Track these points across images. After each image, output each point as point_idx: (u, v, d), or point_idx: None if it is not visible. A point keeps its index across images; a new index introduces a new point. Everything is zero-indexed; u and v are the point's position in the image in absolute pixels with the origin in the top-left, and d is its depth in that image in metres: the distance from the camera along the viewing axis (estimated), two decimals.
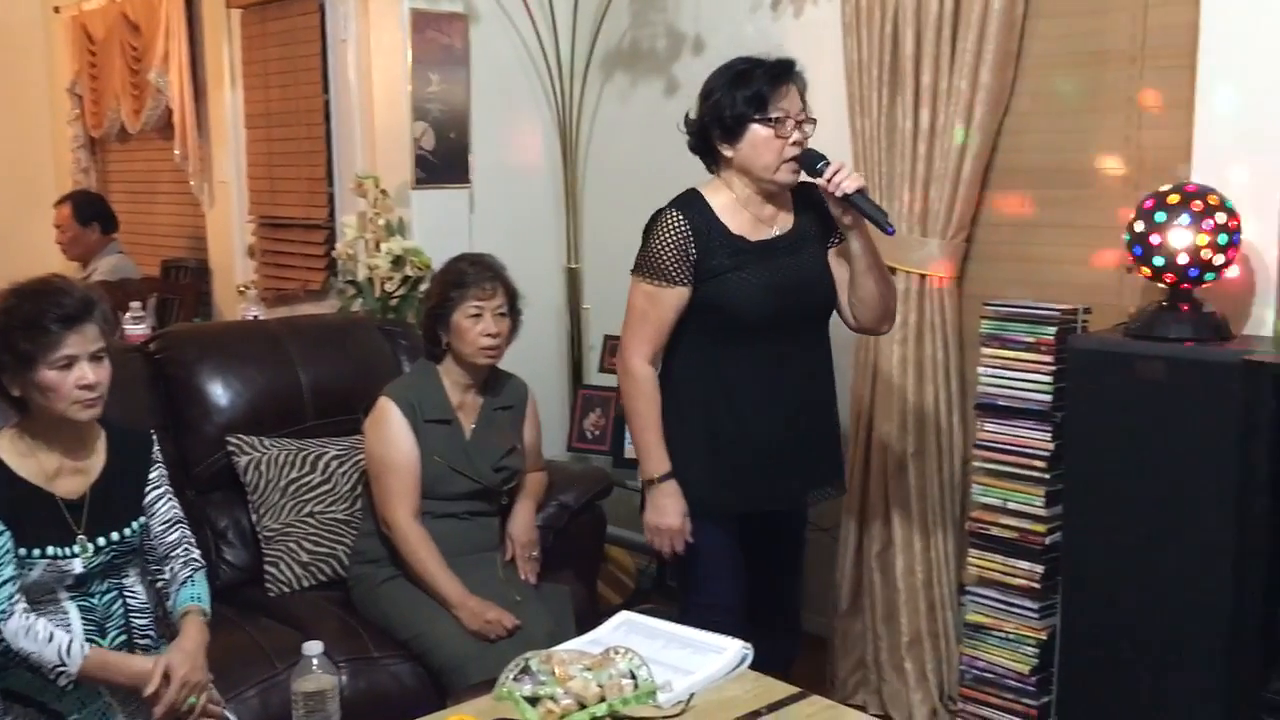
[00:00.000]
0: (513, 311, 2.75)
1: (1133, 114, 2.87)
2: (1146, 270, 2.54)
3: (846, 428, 3.32)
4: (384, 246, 3.66)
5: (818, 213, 2.50)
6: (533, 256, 4.11)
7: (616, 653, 1.97)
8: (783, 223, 2.49)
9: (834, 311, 2.58)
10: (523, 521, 2.81)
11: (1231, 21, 2.62)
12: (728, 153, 2.43)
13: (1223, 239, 2.46)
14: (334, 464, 2.96)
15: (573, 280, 4.21)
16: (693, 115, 2.50)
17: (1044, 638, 2.82)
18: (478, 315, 2.67)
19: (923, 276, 3.14)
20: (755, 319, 2.41)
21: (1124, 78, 2.87)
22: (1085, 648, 2.63)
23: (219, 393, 2.96)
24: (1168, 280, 2.52)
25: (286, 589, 2.82)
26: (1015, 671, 2.85)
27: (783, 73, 2.40)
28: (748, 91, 2.37)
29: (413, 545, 2.61)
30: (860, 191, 2.35)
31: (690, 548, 2.49)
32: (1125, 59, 2.87)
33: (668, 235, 2.41)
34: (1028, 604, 2.83)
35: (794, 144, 2.38)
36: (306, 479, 2.92)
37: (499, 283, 2.72)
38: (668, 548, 2.49)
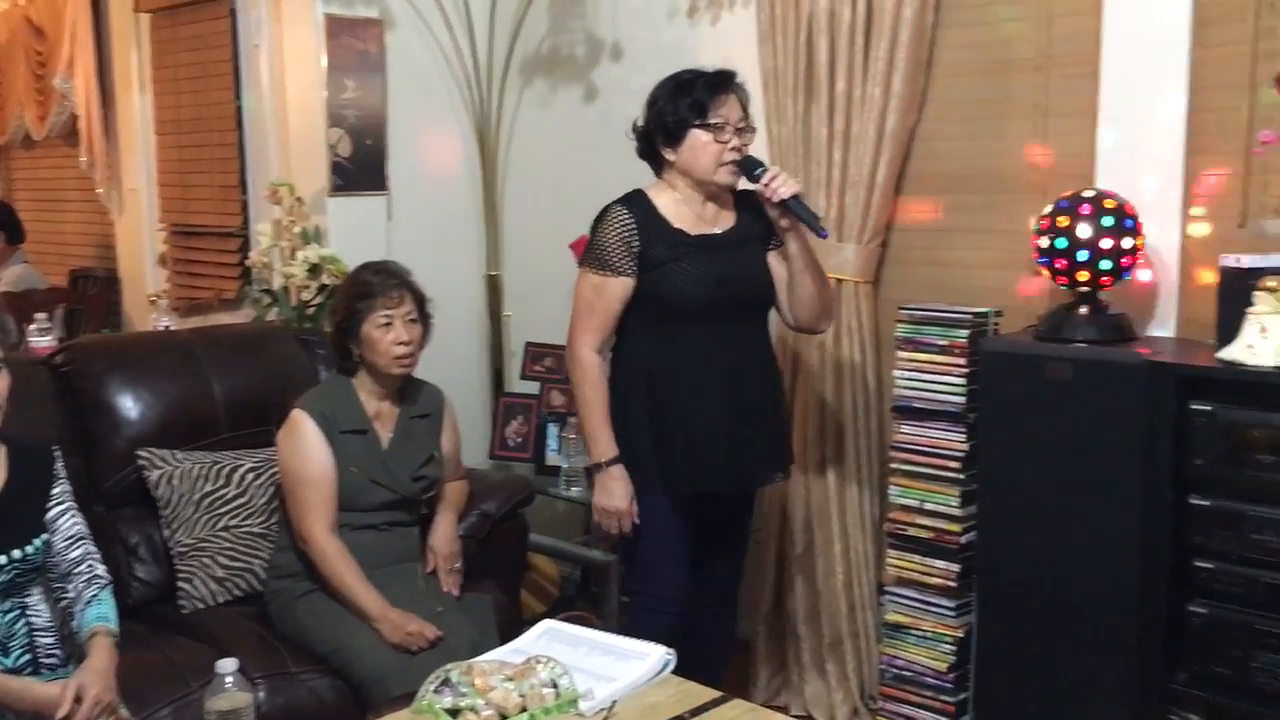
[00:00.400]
0: (423, 317, 2.72)
1: (1040, 121, 2.94)
2: (1054, 274, 2.60)
3: None
4: (300, 254, 3.61)
5: (759, 215, 2.62)
6: (452, 264, 4.09)
7: (538, 662, 1.96)
8: (724, 222, 2.62)
9: (772, 309, 2.69)
10: (444, 533, 2.79)
11: (1132, 31, 2.70)
12: (670, 156, 2.57)
13: (1126, 243, 2.53)
14: (250, 477, 2.90)
15: (493, 287, 4.19)
16: (639, 123, 2.64)
17: (961, 635, 2.87)
18: (388, 324, 2.64)
19: (839, 281, 3.18)
20: (694, 307, 2.54)
21: (1031, 86, 2.94)
22: (1000, 644, 2.68)
23: (129, 406, 2.89)
24: (1074, 283, 2.58)
25: (201, 605, 2.76)
26: (933, 669, 2.90)
27: (722, 82, 2.55)
28: (689, 99, 2.52)
29: (330, 560, 2.58)
30: (796, 197, 2.50)
31: (636, 532, 2.61)
32: (1032, 67, 2.93)
33: (612, 228, 2.55)
34: (945, 603, 2.88)
35: (733, 149, 2.53)
36: (221, 493, 2.86)
37: (406, 289, 2.69)
38: (615, 528, 2.61)
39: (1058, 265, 2.57)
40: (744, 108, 2.58)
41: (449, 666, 1.95)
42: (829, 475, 3.23)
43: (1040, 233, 2.60)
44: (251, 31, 4.04)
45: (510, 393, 4.06)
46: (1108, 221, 2.52)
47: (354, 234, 3.82)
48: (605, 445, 2.58)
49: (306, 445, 2.62)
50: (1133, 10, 2.70)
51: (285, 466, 2.67)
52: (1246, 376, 2.20)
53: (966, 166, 3.09)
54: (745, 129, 2.56)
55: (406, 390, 2.78)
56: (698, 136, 2.52)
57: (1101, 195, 2.57)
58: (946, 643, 2.88)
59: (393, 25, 3.93)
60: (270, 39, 3.95)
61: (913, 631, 2.94)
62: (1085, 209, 2.54)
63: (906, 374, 2.90)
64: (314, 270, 3.59)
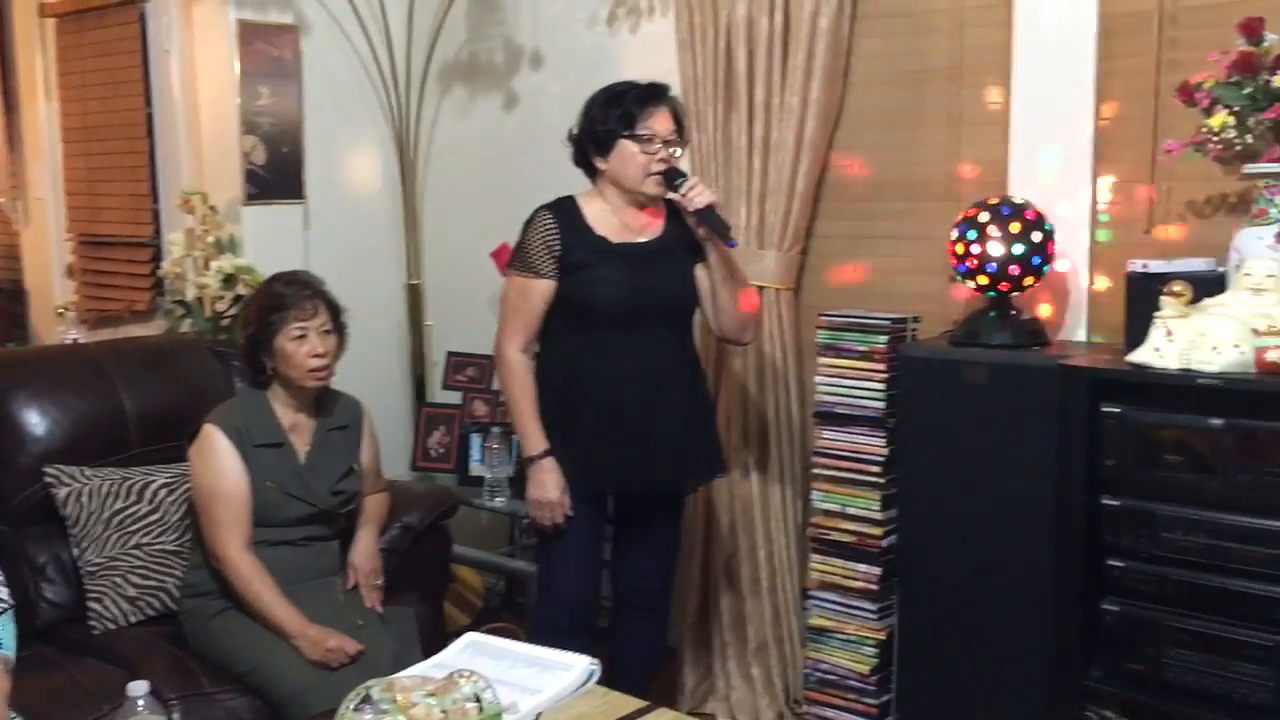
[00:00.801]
0: (338, 328, 2.68)
1: (954, 130, 2.99)
2: (969, 280, 2.65)
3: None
4: (214, 265, 3.54)
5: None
6: (372, 273, 4.04)
7: (461, 676, 1.93)
8: (651, 231, 2.68)
9: (695, 316, 2.75)
10: (364, 549, 2.74)
11: (1041, 42, 2.76)
12: (601, 165, 2.64)
13: (1037, 249, 2.58)
14: (162, 493, 2.83)
15: (414, 297, 4.14)
16: (574, 130, 2.69)
17: (883, 638, 2.90)
18: (302, 336, 2.60)
19: (761, 288, 3.20)
20: (610, 313, 2.60)
21: (945, 95, 2.99)
22: (921, 646, 2.72)
23: (35, 421, 2.80)
24: (988, 289, 2.63)
25: (112, 626, 2.68)
26: (856, 672, 2.93)
27: (653, 95, 2.62)
28: (619, 110, 2.59)
29: (245, 578, 2.52)
30: (710, 207, 2.56)
31: (558, 526, 2.67)
32: (945, 77, 2.99)
33: (535, 231, 2.62)
34: (867, 606, 2.91)
35: (660, 160, 2.58)
36: (132, 509, 2.79)
37: (320, 300, 2.65)
38: (549, 520, 2.67)
39: (972, 271, 2.62)
40: (677, 120, 2.64)
41: (370, 683, 1.91)
42: (753, 481, 3.25)
43: (955, 240, 2.64)
44: (161, 37, 3.95)
45: (432, 403, 4.02)
46: (1019, 229, 2.57)
47: (270, 243, 3.75)
48: (535, 439, 2.64)
49: (219, 460, 2.56)
50: (1040, 22, 2.76)
51: (197, 482, 2.61)
52: (1154, 379, 2.26)
53: (883, 174, 3.13)
54: (675, 142, 2.61)
55: (323, 402, 2.73)
56: (626, 147, 2.58)
57: (1013, 203, 2.62)
58: (869, 645, 2.91)
59: (308, 31, 3.87)
60: (181, 44, 3.86)
61: (836, 635, 2.96)
62: (998, 216, 2.59)
63: (827, 380, 2.93)
64: (229, 281, 3.52)
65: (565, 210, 2.64)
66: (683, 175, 2.58)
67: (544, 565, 2.79)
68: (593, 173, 2.68)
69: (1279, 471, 2.14)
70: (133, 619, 2.71)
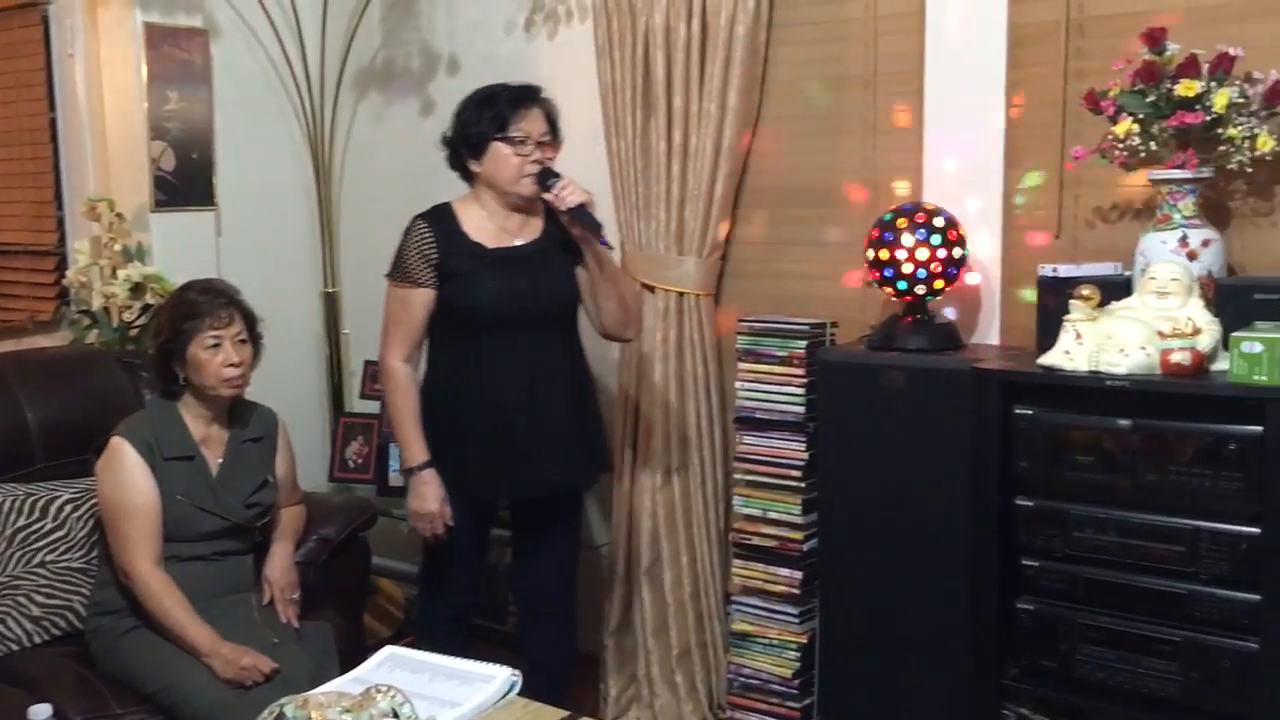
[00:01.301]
0: (253, 337, 2.63)
1: (869, 137, 3.02)
2: (885, 285, 2.68)
3: (615, 444, 3.36)
4: (121, 273, 3.44)
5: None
6: (287, 281, 3.97)
7: (378, 691, 1.90)
8: (529, 233, 2.69)
9: (579, 317, 2.77)
10: (279, 563, 2.69)
11: (952, 51, 2.81)
12: (475, 168, 2.65)
13: (952, 254, 2.62)
14: (68, 509, 2.75)
15: (331, 305, 4.08)
16: (448, 134, 2.70)
17: (805, 641, 2.92)
18: (216, 345, 2.54)
19: (681, 294, 3.21)
20: (490, 318, 2.61)
21: (860, 102, 3.03)
22: (842, 648, 2.74)
23: None
24: (904, 294, 2.66)
25: (15, 646, 2.59)
26: (779, 676, 2.94)
27: (525, 97, 2.63)
28: (490, 112, 2.60)
29: (155, 595, 2.45)
30: (582, 206, 2.58)
31: (448, 533, 2.70)
32: (861, 84, 3.02)
33: (412, 241, 2.64)
34: (789, 610, 2.93)
35: (534, 162, 2.60)
36: (37, 526, 2.70)
37: (235, 308, 2.60)
38: (429, 530, 2.69)
39: (888, 277, 2.65)
40: (550, 122, 2.66)
41: (284, 700, 1.87)
42: (675, 487, 3.25)
43: (871, 245, 2.67)
44: (65, 40, 3.84)
45: (350, 412, 3.96)
46: (934, 234, 2.61)
47: (180, 251, 3.66)
48: (416, 450, 2.66)
49: (127, 475, 2.49)
50: (952, 31, 2.80)
51: (105, 498, 2.53)
52: (1064, 381, 2.30)
53: (801, 180, 3.15)
54: (548, 143, 2.63)
55: (236, 413, 2.68)
56: (499, 149, 2.60)
57: (927, 209, 2.66)
58: (791, 649, 2.93)
59: (218, 35, 3.79)
60: (85, 48, 3.76)
61: (759, 640, 2.98)
62: (912, 222, 2.62)
63: (748, 385, 2.95)
64: (137, 290, 3.43)
65: (441, 218, 2.66)
66: (556, 175, 2.60)
67: (428, 566, 2.82)
68: (468, 175, 2.69)
69: (1185, 470, 2.19)
70: (37, 639, 2.63)
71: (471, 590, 2.81)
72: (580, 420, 2.73)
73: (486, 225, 2.66)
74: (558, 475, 2.70)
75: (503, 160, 2.60)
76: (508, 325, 2.61)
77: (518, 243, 2.67)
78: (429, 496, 2.65)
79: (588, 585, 3.71)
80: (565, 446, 2.69)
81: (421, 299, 2.63)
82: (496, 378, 2.62)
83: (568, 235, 2.66)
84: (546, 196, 2.60)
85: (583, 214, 2.58)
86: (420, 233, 2.63)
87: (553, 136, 2.65)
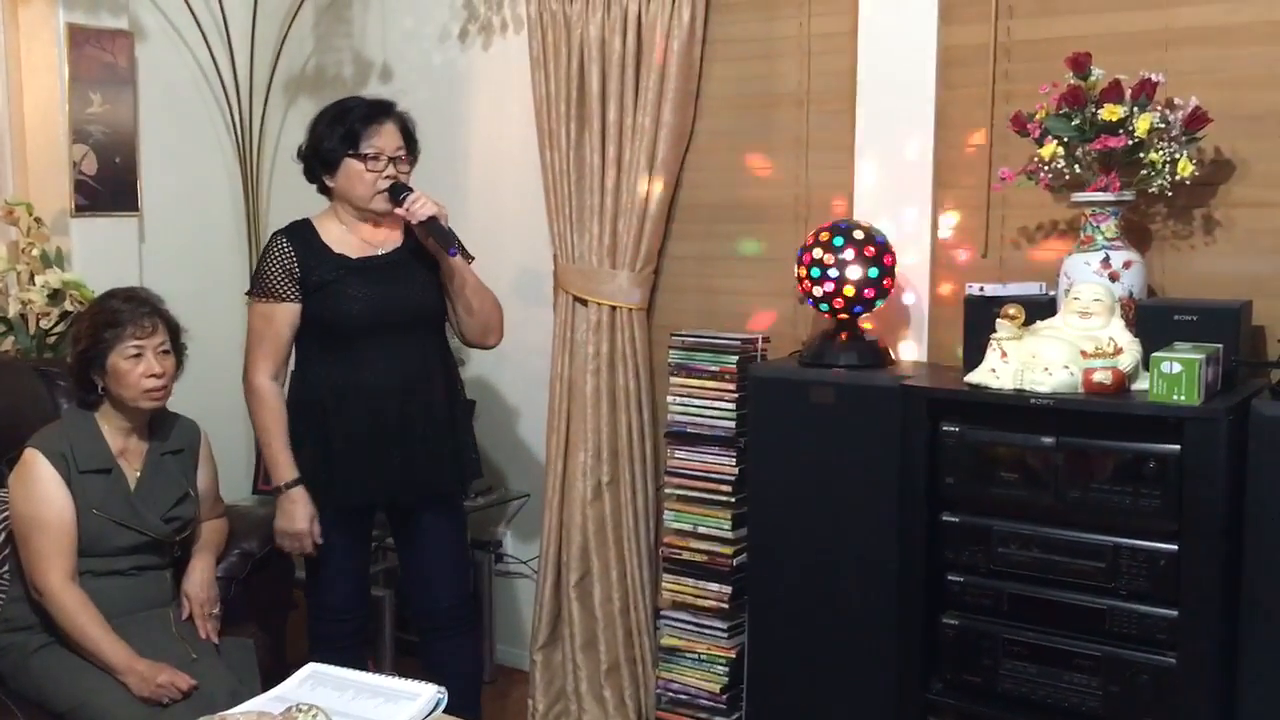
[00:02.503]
0: (176, 348, 2.58)
1: (801, 154, 3.05)
2: (816, 301, 2.69)
3: (546, 457, 3.34)
4: (39, 279, 3.34)
5: None
6: (213, 288, 3.89)
7: (299, 710, 1.86)
8: (390, 243, 2.72)
9: (447, 323, 2.81)
10: (199, 578, 2.63)
11: (883, 71, 2.84)
12: (329, 183, 2.68)
13: (881, 271, 2.65)
14: None
15: None
16: (303, 148, 2.72)
17: (733, 656, 2.92)
18: (138, 355, 2.48)
19: (613, 308, 3.20)
20: (361, 324, 2.63)
21: (792, 120, 3.05)
22: (771, 663, 2.75)
23: None
24: (834, 311, 2.68)
25: None
26: (707, 691, 2.94)
27: (378, 112, 2.65)
28: (342, 129, 2.62)
29: (69, 612, 2.38)
30: (433, 219, 2.61)
31: (318, 550, 2.70)
32: (793, 102, 3.05)
33: (273, 257, 2.65)
34: (718, 625, 2.93)
35: (387, 177, 2.62)
36: None
37: (159, 318, 2.54)
38: (296, 549, 2.70)
39: (818, 293, 2.67)
40: (405, 136, 2.68)
41: (203, 719, 1.83)
42: (606, 501, 3.24)
43: (801, 262, 2.69)
44: None
45: None
46: (865, 252, 2.63)
47: (102, 257, 3.58)
48: (285, 469, 2.65)
49: (41, 488, 2.42)
50: (884, 52, 2.84)
51: (17, 512, 2.46)
52: (990, 399, 2.33)
53: (733, 196, 3.17)
54: (401, 158, 2.65)
55: (157, 425, 2.61)
56: (351, 165, 2.62)
57: (858, 226, 2.69)
58: (720, 664, 2.93)
59: (144, 37, 3.72)
60: (5, 48, 3.65)
61: (687, 654, 2.98)
62: (842, 239, 2.64)
63: (679, 399, 2.95)
64: (55, 296, 3.33)
65: (300, 233, 2.67)
66: (407, 190, 2.63)
67: (310, 582, 2.80)
68: (325, 189, 2.71)
69: (1106, 488, 2.23)
70: None
71: (356, 605, 2.79)
72: (451, 424, 2.75)
73: (348, 238, 2.68)
74: (430, 477, 2.71)
75: (355, 176, 2.62)
76: (376, 332, 2.63)
77: (380, 252, 2.69)
78: (297, 515, 2.65)
79: (516, 600, 3.69)
80: (437, 450, 2.70)
81: (286, 314, 2.63)
82: (367, 384, 2.63)
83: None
84: (399, 211, 2.63)
85: (434, 226, 2.61)
86: (280, 248, 2.64)
87: (408, 150, 2.68)
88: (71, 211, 3.55)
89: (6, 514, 2.59)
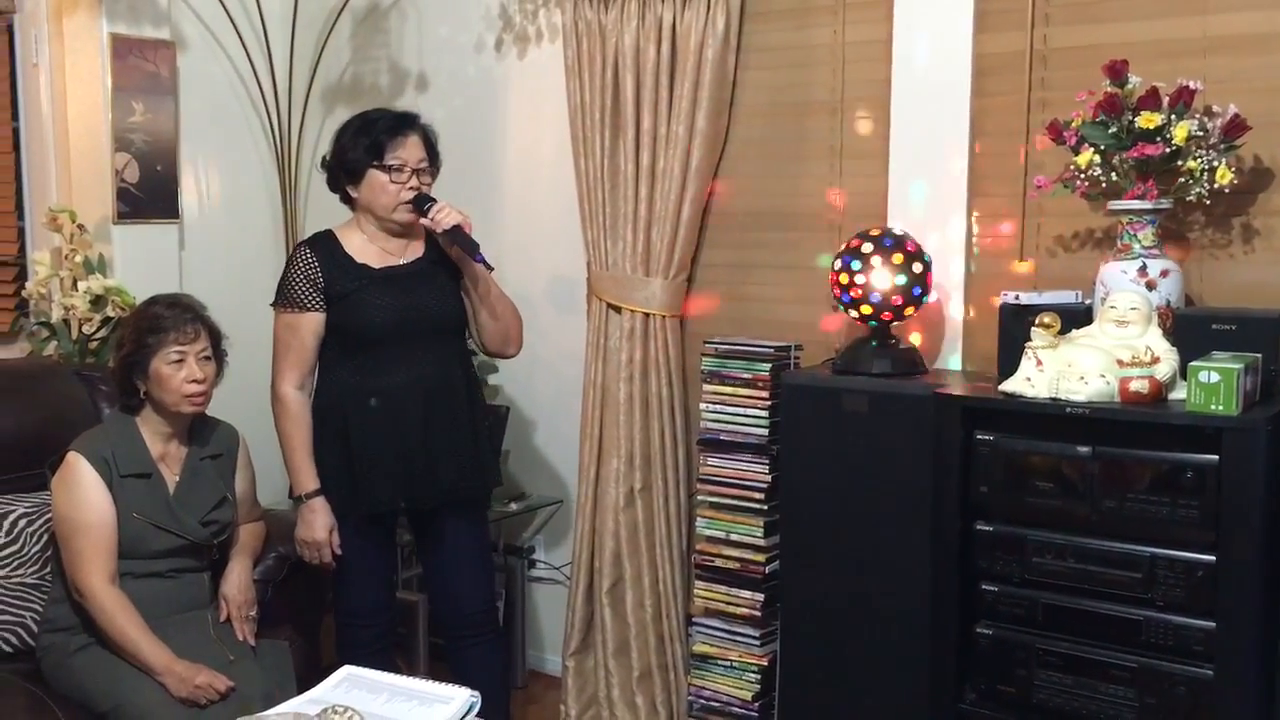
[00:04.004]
0: (217, 354, 2.61)
1: (835, 162, 3.05)
2: (851, 309, 2.69)
3: (579, 464, 3.35)
4: (82, 285, 3.40)
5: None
6: (251, 295, 3.88)
7: (335, 712, 1.88)
8: (413, 252, 2.75)
9: (468, 333, 2.84)
10: (237, 580, 2.66)
11: (918, 79, 2.84)
12: (353, 194, 2.70)
13: (918, 279, 2.64)
14: (22, 523, 2.70)
15: None
16: (327, 157, 2.76)
17: (765, 664, 2.92)
18: (180, 361, 2.52)
19: (647, 315, 3.21)
20: (380, 335, 2.66)
21: (827, 128, 3.05)
22: (802, 670, 2.74)
23: None
24: (869, 318, 2.68)
25: None
26: (739, 699, 2.94)
27: (403, 124, 2.68)
28: (367, 140, 2.65)
29: (109, 613, 2.42)
30: (458, 227, 2.63)
31: (338, 560, 2.73)
32: (827, 110, 3.05)
33: (297, 268, 2.68)
34: (750, 632, 2.93)
35: (410, 189, 2.65)
36: None
37: (201, 324, 2.58)
38: (315, 559, 2.72)
39: (852, 301, 2.66)
40: (428, 147, 2.71)
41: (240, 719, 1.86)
42: (638, 507, 3.24)
43: (837, 270, 2.69)
44: (30, 49, 3.80)
45: None
46: (900, 259, 2.63)
47: (143, 264, 3.63)
48: (306, 479, 2.68)
49: (83, 491, 2.46)
50: (918, 60, 2.83)
51: (60, 514, 2.50)
52: (1025, 408, 2.32)
53: (767, 204, 3.17)
54: (425, 170, 2.68)
55: (196, 430, 2.65)
56: (376, 177, 2.65)
57: (892, 234, 2.68)
58: (752, 671, 2.93)
59: (185, 48, 3.77)
60: (50, 58, 3.72)
61: (719, 662, 2.97)
62: (877, 247, 2.64)
63: (712, 407, 2.95)
64: (97, 302, 3.39)
65: (324, 243, 2.70)
66: (431, 200, 2.66)
67: (336, 587, 2.82)
68: (348, 199, 2.73)
69: (1142, 497, 2.22)
70: None
71: (381, 609, 2.82)
72: (473, 431, 2.77)
73: (369, 248, 2.70)
74: (452, 484, 2.73)
75: (379, 187, 2.64)
76: (400, 341, 2.66)
77: (403, 261, 2.72)
78: (317, 525, 2.68)
79: (550, 606, 3.70)
80: (460, 456, 2.73)
81: (311, 323, 2.66)
82: (392, 392, 2.66)
83: (448, 254, 2.73)
84: (424, 221, 2.65)
85: (459, 235, 2.63)
86: (304, 258, 2.67)
87: (430, 162, 2.71)
88: (114, 218, 3.60)
89: (50, 516, 2.63)
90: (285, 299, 2.68)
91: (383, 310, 2.64)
